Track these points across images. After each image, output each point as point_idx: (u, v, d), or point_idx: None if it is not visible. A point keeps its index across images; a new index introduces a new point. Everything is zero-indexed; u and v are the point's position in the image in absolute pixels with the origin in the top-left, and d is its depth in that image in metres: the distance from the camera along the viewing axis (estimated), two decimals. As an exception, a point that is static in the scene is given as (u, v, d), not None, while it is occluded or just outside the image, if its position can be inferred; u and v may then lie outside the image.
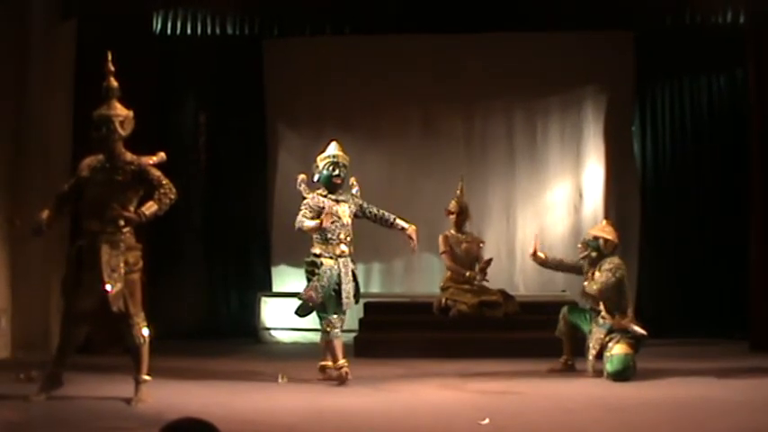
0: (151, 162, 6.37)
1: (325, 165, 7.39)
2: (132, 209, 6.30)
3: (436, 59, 10.74)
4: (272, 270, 10.98)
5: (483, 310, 9.16)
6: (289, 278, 10.90)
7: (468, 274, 9.37)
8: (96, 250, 6.14)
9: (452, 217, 9.60)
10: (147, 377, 6.32)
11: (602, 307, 7.46)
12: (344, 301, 7.20)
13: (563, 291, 10.07)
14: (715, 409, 6.01)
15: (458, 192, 9.63)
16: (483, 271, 9.42)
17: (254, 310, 10.59)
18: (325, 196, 7.34)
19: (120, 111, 6.35)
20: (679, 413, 5.91)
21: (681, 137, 10.77)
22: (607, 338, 7.34)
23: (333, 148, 7.48)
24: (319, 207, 7.26)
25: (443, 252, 9.53)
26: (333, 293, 7.18)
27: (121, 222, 6.21)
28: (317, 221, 7.15)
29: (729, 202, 10.17)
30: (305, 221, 7.22)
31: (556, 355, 7.83)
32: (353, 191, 7.55)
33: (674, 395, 6.52)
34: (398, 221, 7.54)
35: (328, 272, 7.14)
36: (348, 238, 7.31)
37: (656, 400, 6.37)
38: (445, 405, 6.36)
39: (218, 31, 10.66)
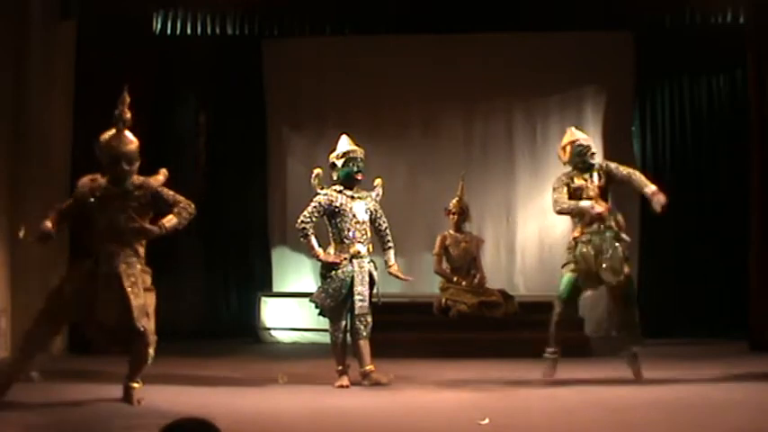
0: (159, 182, 6.30)
1: (344, 162, 7.13)
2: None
3: (436, 59, 10.74)
4: (272, 270, 10.98)
5: (483, 310, 9.17)
6: (289, 278, 10.91)
7: (455, 279, 9.38)
8: (114, 268, 6.04)
9: (452, 217, 9.59)
10: (136, 384, 6.22)
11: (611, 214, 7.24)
12: (357, 304, 6.97)
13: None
14: (715, 408, 6.00)
15: (458, 192, 9.63)
16: (474, 270, 9.45)
17: (254, 310, 10.58)
18: (340, 192, 7.11)
19: (134, 146, 6.23)
20: (679, 413, 5.90)
21: (681, 137, 10.77)
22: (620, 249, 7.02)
23: (346, 144, 7.23)
24: (332, 206, 7.07)
25: (435, 254, 9.53)
26: (346, 296, 6.99)
27: (140, 239, 6.12)
28: (322, 252, 6.99)
29: (729, 201, 10.16)
30: (310, 235, 7.00)
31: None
32: (374, 193, 7.29)
33: (674, 395, 6.51)
34: (389, 253, 7.30)
35: (341, 275, 6.97)
36: (364, 237, 7.08)
37: (656, 400, 6.36)
38: (445, 405, 6.35)
39: (217, 31, 10.66)
